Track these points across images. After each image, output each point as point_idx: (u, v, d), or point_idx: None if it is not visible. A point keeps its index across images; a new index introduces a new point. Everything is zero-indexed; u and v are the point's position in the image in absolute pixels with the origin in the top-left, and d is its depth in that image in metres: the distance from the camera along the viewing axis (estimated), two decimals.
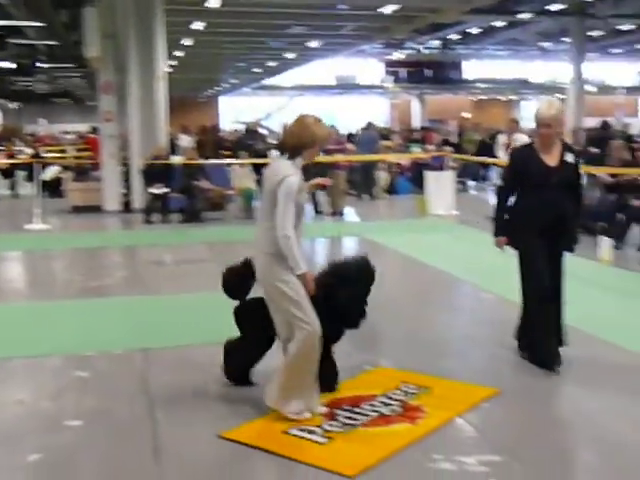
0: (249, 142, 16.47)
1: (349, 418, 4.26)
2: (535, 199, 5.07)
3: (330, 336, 4.39)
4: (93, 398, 4.78)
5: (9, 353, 5.70)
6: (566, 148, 5.24)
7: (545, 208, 5.05)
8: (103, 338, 6.11)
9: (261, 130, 19.36)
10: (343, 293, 4.45)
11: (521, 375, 5.04)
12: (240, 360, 4.82)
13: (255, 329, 4.69)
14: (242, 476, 3.78)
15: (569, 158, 5.15)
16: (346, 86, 43.54)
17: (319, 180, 4.72)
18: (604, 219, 9.95)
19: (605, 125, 13.22)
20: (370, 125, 17.48)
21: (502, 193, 5.39)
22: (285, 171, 4.14)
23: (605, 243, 8.90)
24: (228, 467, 3.82)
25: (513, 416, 4.33)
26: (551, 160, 5.10)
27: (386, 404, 4.45)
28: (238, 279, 4.75)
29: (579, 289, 7.65)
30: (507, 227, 5.26)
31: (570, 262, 9.25)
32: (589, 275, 8.24)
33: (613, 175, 10.05)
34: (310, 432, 4.08)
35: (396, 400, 4.52)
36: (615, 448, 3.91)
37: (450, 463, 3.74)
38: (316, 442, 3.98)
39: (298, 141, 4.18)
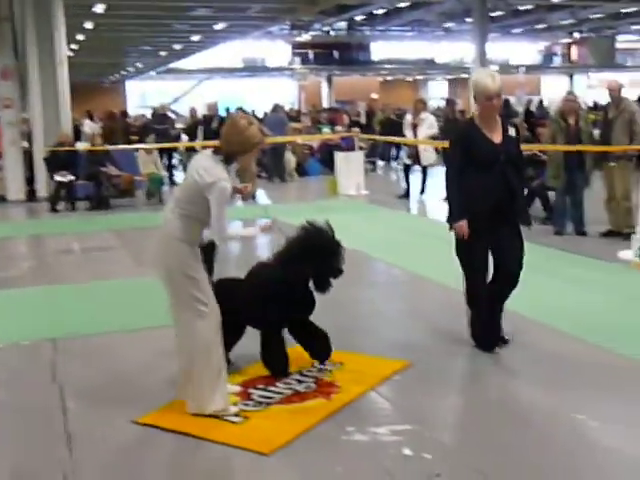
0: (157, 126, 16.21)
1: (264, 397, 4.30)
2: (484, 179, 4.82)
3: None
4: (1, 390, 4.66)
5: None
6: (506, 122, 5.11)
7: (496, 187, 4.83)
8: (10, 330, 5.95)
9: (169, 114, 19.06)
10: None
11: (431, 347, 5.18)
12: None
13: (223, 311, 4.62)
14: (158, 459, 3.77)
15: (512, 132, 5.02)
16: (254, 68, 43.27)
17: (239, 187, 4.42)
18: None
19: (504, 103, 13.60)
20: (277, 107, 17.42)
21: (452, 175, 5.00)
22: (218, 174, 3.96)
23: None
24: (143, 451, 3.81)
25: (423, 387, 4.45)
26: (495, 136, 4.91)
27: (300, 381, 4.51)
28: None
29: None
30: (465, 210, 4.88)
31: None
32: None
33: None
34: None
35: (310, 377, 4.58)
36: (521, 413, 4.08)
37: (363, 434, 3.83)
38: (231, 422, 4.00)
39: (232, 148, 4.03)
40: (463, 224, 4.89)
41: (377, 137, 17.72)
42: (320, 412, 4.09)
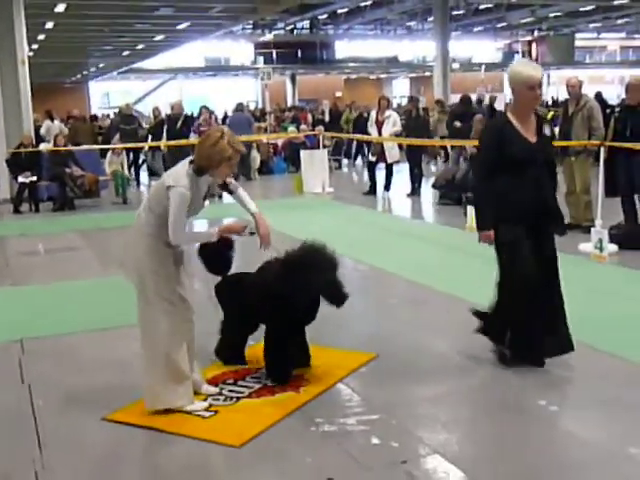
0: (124, 126, 16.13)
1: (233, 392, 4.35)
2: (520, 181, 4.42)
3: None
4: None
5: None
6: (541, 120, 4.68)
7: (533, 190, 4.44)
8: None
9: (135, 114, 19.00)
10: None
11: (397, 340, 5.27)
12: (224, 340, 4.77)
13: (233, 306, 4.67)
14: (129, 456, 3.80)
15: (547, 131, 4.63)
16: (217, 68, 43.18)
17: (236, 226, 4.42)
18: (470, 189, 10.43)
19: (465, 99, 13.73)
20: (241, 106, 17.41)
21: (482, 178, 4.58)
22: (179, 180, 3.97)
23: (471, 212, 9.33)
24: (114, 448, 3.83)
25: (389, 378, 4.53)
26: (530, 135, 4.51)
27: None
28: (215, 252, 4.52)
29: (448, 256, 8.06)
30: (495, 217, 4.50)
31: (439, 231, 9.70)
32: (457, 242, 8.65)
33: (477, 147, 10.51)
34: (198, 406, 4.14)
35: None
36: (480, 399, 4.19)
37: (332, 425, 3.90)
38: (201, 416, 4.04)
39: (201, 161, 4.00)
40: (490, 233, 4.52)
41: (342, 135, 17.81)
42: (289, 405, 4.15)
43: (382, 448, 3.64)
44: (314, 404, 4.18)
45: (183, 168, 4.06)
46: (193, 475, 3.53)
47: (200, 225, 4.27)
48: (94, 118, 23.35)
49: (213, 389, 4.38)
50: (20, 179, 12.93)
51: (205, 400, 4.21)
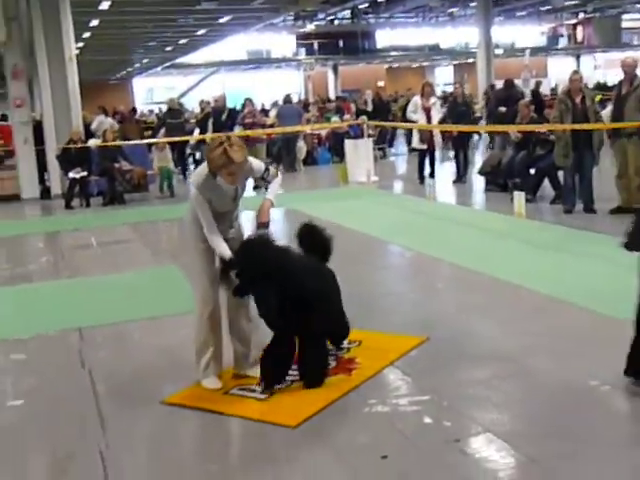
0: (171, 120, 16.34)
1: (288, 375, 4.42)
2: None
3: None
4: (32, 378, 4.83)
5: None
6: None
7: None
8: (36, 322, 6.12)
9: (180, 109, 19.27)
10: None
11: (447, 323, 5.31)
12: None
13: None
14: (188, 437, 3.92)
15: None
16: (259, 61, 43.32)
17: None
18: (517, 175, 10.38)
19: (508, 84, 13.58)
20: (290, 97, 17.48)
21: None
22: (195, 178, 4.28)
23: (518, 198, 9.29)
24: (173, 430, 3.95)
25: (441, 360, 4.58)
26: None
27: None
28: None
29: (495, 242, 8.04)
30: None
31: (486, 217, 9.68)
32: (505, 228, 8.63)
33: (522, 132, 10.45)
34: (250, 390, 4.24)
35: (330, 355, 4.70)
36: (530, 380, 4.21)
37: (384, 406, 3.97)
38: (257, 399, 4.14)
39: (210, 167, 4.19)
40: None
41: (386, 123, 17.79)
42: (342, 387, 4.23)
43: (434, 427, 3.69)
44: (366, 386, 4.25)
45: (204, 167, 4.25)
46: (250, 455, 3.63)
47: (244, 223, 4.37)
48: (133, 111, 23.58)
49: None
50: (71, 175, 13.22)
51: (259, 385, 4.29)
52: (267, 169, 4.49)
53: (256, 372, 4.42)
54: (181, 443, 3.82)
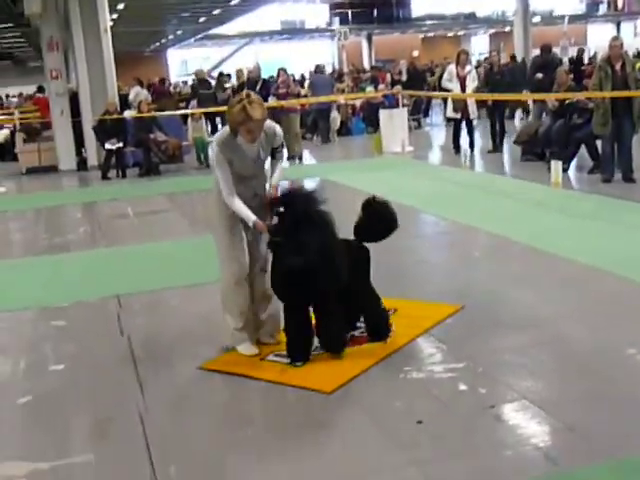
0: (203, 91, 16.39)
1: None
2: None
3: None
4: (72, 344, 4.93)
5: None
6: None
7: None
8: (75, 289, 6.22)
9: (210, 79, 19.27)
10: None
11: (482, 291, 5.30)
12: None
13: None
14: (224, 402, 3.98)
15: None
16: (293, 31, 43.09)
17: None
18: (554, 144, 10.23)
19: (545, 49, 13.27)
20: (321, 67, 17.37)
21: None
22: (217, 136, 4.34)
23: (555, 167, 9.18)
24: (211, 394, 4.01)
25: (476, 329, 4.57)
26: None
27: (357, 327, 4.66)
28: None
29: (532, 211, 7.97)
30: None
31: (522, 187, 9.58)
32: (541, 198, 8.53)
33: (560, 100, 10.28)
34: (286, 357, 4.28)
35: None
36: (566, 348, 4.19)
37: (419, 372, 3.99)
38: (292, 365, 4.18)
39: (230, 125, 4.23)
40: None
41: (420, 93, 17.62)
42: (377, 354, 4.25)
43: (469, 394, 3.70)
44: (401, 353, 4.27)
45: (226, 128, 4.28)
46: (286, 420, 3.67)
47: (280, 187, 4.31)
48: (162, 82, 23.59)
49: (274, 340, 4.51)
50: (107, 146, 13.33)
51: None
52: (283, 144, 4.48)
53: (276, 339, 4.50)
54: (218, 408, 3.88)
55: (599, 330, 4.42)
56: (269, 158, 4.44)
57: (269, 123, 4.31)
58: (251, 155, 4.29)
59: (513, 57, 19.88)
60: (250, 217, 4.21)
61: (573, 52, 27.68)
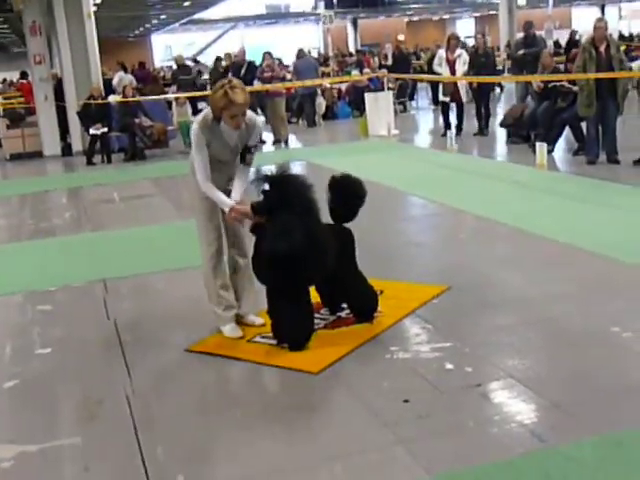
0: (182, 77, 16.30)
1: None
2: None
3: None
4: (59, 328, 4.92)
5: None
6: None
7: None
8: (61, 274, 6.20)
9: (190, 63, 19.19)
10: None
11: (468, 272, 5.32)
12: None
13: None
14: (211, 384, 3.98)
15: None
16: (278, 15, 42.87)
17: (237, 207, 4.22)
18: (540, 126, 10.25)
19: (526, 25, 13.21)
20: (303, 52, 17.27)
21: None
22: (199, 117, 4.30)
23: (540, 148, 9.20)
24: (198, 376, 4.01)
25: (462, 309, 4.60)
26: None
27: (343, 308, 4.67)
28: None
29: (517, 193, 8.00)
30: None
31: (508, 169, 9.61)
32: (527, 180, 8.56)
33: (544, 82, 10.29)
34: (273, 338, 4.29)
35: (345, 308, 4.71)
36: (552, 327, 4.22)
37: (406, 352, 4.01)
38: (280, 346, 4.19)
39: (213, 109, 4.19)
40: None
41: (406, 76, 17.60)
42: (364, 334, 4.27)
43: (456, 373, 3.73)
44: (388, 334, 4.28)
45: (210, 111, 4.24)
46: (274, 401, 3.68)
47: (262, 171, 4.22)
48: (142, 65, 23.36)
49: (259, 320, 4.52)
50: (91, 131, 13.24)
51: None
52: (257, 145, 4.42)
53: (253, 320, 4.54)
54: (205, 390, 3.89)
55: (584, 309, 4.45)
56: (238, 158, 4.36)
57: (251, 115, 4.29)
58: (230, 142, 4.27)
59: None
60: (226, 203, 4.20)
61: (558, 35, 27.74)
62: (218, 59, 17.56)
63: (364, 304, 4.48)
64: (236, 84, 4.15)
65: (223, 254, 4.47)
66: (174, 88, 15.97)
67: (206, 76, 18.35)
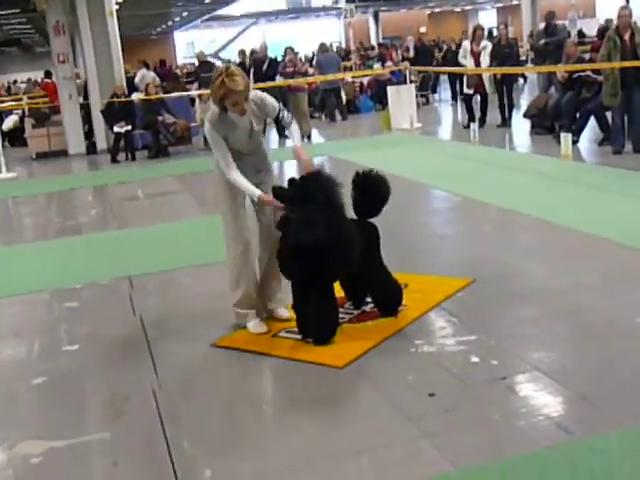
0: (203, 74, 16.30)
1: None
2: None
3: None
4: (86, 325, 4.97)
5: None
6: None
7: None
8: (87, 271, 6.25)
9: (213, 60, 19.20)
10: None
11: (493, 265, 5.29)
12: None
13: None
14: (237, 378, 4.00)
15: None
16: (299, 10, 42.85)
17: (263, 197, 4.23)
18: (564, 116, 10.16)
19: (548, 15, 13.09)
20: (325, 46, 17.23)
21: None
22: (208, 114, 4.29)
23: (565, 139, 9.12)
24: (224, 371, 4.04)
25: (487, 301, 4.58)
26: None
27: (367, 302, 4.67)
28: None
29: (542, 185, 7.94)
30: None
31: (532, 160, 9.54)
32: (551, 171, 8.50)
33: (569, 72, 10.19)
34: (298, 333, 4.30)
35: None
36: (578, 319, 4.19)
37: (431, 346, 4.00)
38: (304, 341, 4.20)
39: (214, 98, 4.20)
40: None
41: (429, 68, 17.51)
42: (389, 328, 4.26)
43: (481, 366, 3.71)
44: (413, 327, 4.28)
45: (213, 106, 4.25)
46: (299, 395, 3.69)
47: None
48: (163, 63, 23.47)
49: (286, 314, 4.53)
50: (115, 129, 13.35)
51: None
52: (281, 109, 4.41)
53: (281, 314, 4.55)
54: (230, 384, 3.91)
55: (610, 301, 4.41)
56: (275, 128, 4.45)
57: (255, 93, 4.30)
58: (244, 128, 4.26)
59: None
60: (254, 192, 4.19)
61: (582, 24, 27.42)
62: (243, 53, 17.54)
63: (389, 298, 4.48)
64: (234, 71, 4.11)
65: (250, 254, 4.45)
66: (196, 85, 16.00)
67: None
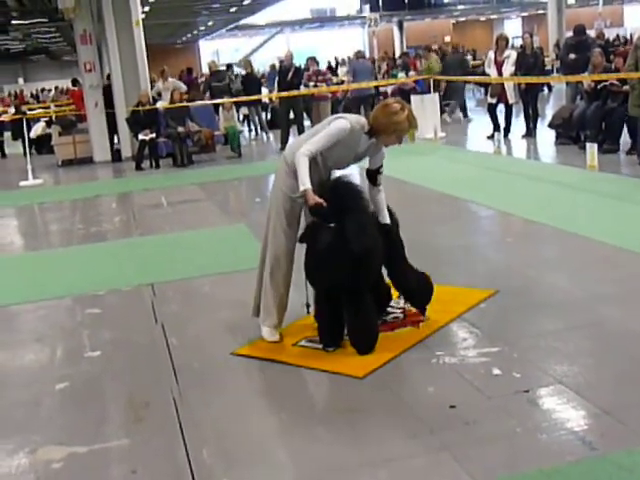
0: (215, 83, 16.36)
1: None
2: None
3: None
4: (108, 331, 4.99)
5: (21, 299, 5.89)
6: None
7: None
8: (110, 278, 6.29)
9: (238, 69, 19.29)
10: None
11: (516, 275, 5.25)
12: None
13: None
14: (257, 387, 4.00)
15: None
16: (324, 19, 42.97)
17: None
18: (589, 127, 10.08)
19: (578, 30, 13.02)
20: (362, 53, 17.14)
21: None
22: (352, 118, 4.24)
23: (590, 149, 9.04)
24: (243, 380, 4.04)
25: (510, 313, 4.54)
26: None
27: (389, 312, 4.64)
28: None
29: (567, 195, 7.87)
30: None
31: (557, 170, 9.47)
32: (576, 181, 8.42)
33: (595, 82, 10.11)
34: (318, 342, 4.28)
35: (398, 308, 4.70)
36: (601, 331, 4.14)
37: (453, 357, 3.96)
38: (325, 350, 4.18)
39: (377, 126, 4.19)
40: None
41: (451, 77, 17.45)
42: (410, 339, 4.24)
43: (504, 378, 3.67)
44: (434, 338, 4.25)
45: (364, 120, 4.27)
46: (319, 405, 3.69)
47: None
48: (190, 71, 23.56)
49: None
50: (140, 137, 13.44)
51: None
52: (382, 166, 4.46)
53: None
54: (250, 392, 3.90)
55: (633, 312, 4.35)
56: (368, 185, 4.47)
57: None
58: (359, 153, 4.32)
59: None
60: (307, 183, 4.04)
61: (609, 34, 27.21)
62: (249, 64, 17.59)
63: (419, 298, 4.55)
64: (411, 110, 4.25)
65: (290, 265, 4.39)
66: (208, 95, 16.06)
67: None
